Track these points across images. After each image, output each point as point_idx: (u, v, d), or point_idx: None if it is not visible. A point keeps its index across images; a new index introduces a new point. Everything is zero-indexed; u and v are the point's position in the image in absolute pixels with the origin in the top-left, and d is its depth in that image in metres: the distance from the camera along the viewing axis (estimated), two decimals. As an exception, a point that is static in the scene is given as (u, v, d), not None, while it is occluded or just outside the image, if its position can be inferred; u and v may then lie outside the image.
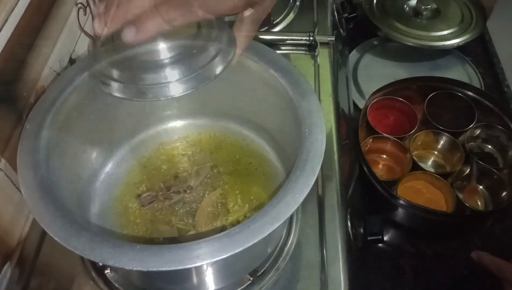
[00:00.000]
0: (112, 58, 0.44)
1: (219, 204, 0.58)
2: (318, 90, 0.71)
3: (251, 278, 0.52)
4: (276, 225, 0.39)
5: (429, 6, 1.04)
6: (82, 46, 0.68)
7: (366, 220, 0.65)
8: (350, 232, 0.59)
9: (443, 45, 0.98)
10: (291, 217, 0.57)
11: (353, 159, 0.76)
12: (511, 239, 0.79)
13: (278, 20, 0.82)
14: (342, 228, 0.57)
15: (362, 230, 0.64)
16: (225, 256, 0.37)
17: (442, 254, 0.77)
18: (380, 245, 0.78)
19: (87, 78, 0.52)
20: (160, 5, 0.37)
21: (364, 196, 0.77)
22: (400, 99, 0.87)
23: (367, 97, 0.86)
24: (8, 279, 0.50)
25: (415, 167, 0.79)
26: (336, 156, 0.64)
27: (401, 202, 0.74)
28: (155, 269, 0.37)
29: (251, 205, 0.57)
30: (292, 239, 0.56)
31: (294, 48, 0.78)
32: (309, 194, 0.41)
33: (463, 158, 0.80)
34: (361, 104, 0.93)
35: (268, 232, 0.38)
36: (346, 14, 0.98)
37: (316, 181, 0.50)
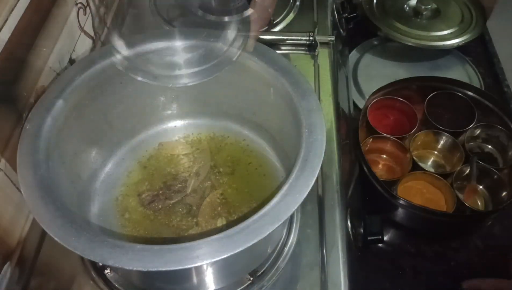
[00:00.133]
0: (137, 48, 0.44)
1: (219, 204, 0.58)
2: (318, 90, 0.71)
3: (251, 278, 0.52)
4: (276, 225, 0.39)
5: (429, 6, 1.04)
6: (82, 46, 0.68)
7: (366, 220, 0.65)
8: (350, 232, 0.59)
9: (443, 45, 0.98)
10: (291, 217, 0.57)
11: (353, 159, 0.76)
12: (511, 239, 0.79)
13: (278, 20, 0.82)
14: (342, 228, 0.57)
15: (362, 230, 0.64)
16: (225, 256, 0.37)
17: (442, 254, 0.77)
18: (380, 245, 0.78)
19: (87, 78, 0.52)
20: None
21: (364, 196, 0.77)
22: (400, 99, 0.87)
23: (367, 97, 0.86)
24: (8, 279, 0.50)
25: (415, 167, 0.79)
26: (336, 156, 0.64)
27: (401, 202, 0.74)
28: (155, 269, 0.37)
29: (251, 205, 0.57)
30: (292, 239, 0.56)
31: (294, 48, 0.78)
32: (309, 194, 0.41)
33: (463, 158, 0.80)
34: (361, 104, 0.93)
35: (268, 232, 0.38)
36: (346, 14, 0.98)
37: (316, 181, 0.50)
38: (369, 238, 0.64)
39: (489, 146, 0.86)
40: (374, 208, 0.79)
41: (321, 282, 0.53)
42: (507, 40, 1.09)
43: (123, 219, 0.56)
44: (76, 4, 0.65)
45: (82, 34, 0.67)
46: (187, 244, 0.38)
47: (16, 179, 0.49)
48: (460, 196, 0.76)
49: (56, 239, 0.38)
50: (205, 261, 0.37)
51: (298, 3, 0.86)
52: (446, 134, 0.83)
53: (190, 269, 0.41)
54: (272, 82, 0.53)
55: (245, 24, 0.47)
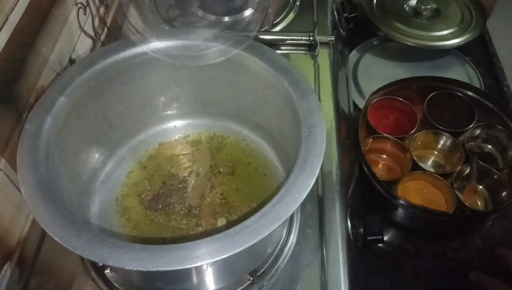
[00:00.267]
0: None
1: (219, 204, 0.58)
2: (318, 90, 0.71)
3: (251, 278, 0.52)
4: (276, 225, 0.39)
5: (429, 6, 1.04)
6: (82, 46, 0.68)
7: (366, 220, 0.65)
8: (350, 232, 0.59)
9: (443, 45, 0.98)
10: (291, 217, 0.57)
11: (353, 159, 0.76)
12: (511, 239, 0.79)
13: (278, 20, 0.82)
14: (342, 228, 0.57)
15: (362, 230, 0.64)
16: (225, 256, 0.37)
17: (442, 254, 0.77)
18: (380, 245, 0.77)
19: (87, 78, 0.52)
20: None
21: (364, 196, 0.77)
22: (400, 99, 0.87)
23: (367, 97, 0.86)
24: (8, 279, 0.50)
25: (415, 167, 0.79)
26: (336, 156, 0.64)
27: (401, 202, 0.74)
28: (155, 269, 0.37)
29: (251, 205, 0.57)
30: (292, 239, 0.56)
31: (294, 48, 0.78)
32: (309, 194, 0.41)
33: (463, 158, 0.80)
34: (361, 104, 0.93)
35: (268, 232, 0.38)
36: (346, 14, 0.98)
37: (316, 181, 0.50)
38: (369, 238, 0.64)
39: (489, 146, 0.86)
40: (374, 208, 0.79)
41: (321, 282, 0.53)
42: (507, 40, 1.09)
43: (123, 219, 0.57)
44: (76, 4, 0.65)
45: (82, 34, 0.67)
46: (187, 244, 0.38)
47: (16, 179, 0.49)
48: (460, 196, 0.76)
49: (56, 239, 0.39)
50: (205, 261, 0.37)
51: (298, 3, 0.86)
52: (446, 134, 0.83)
53: (190, 269, 0.41)
54: (272, 82, 0.53)
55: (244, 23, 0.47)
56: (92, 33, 0.70)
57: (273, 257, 0.54)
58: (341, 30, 0.92)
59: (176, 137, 0.65)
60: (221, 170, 0.61)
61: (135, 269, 0.37)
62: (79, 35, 0.67)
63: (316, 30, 0.77)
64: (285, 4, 0.85)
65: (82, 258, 0.54)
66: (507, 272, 0.66)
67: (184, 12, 0.82)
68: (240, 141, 0.64)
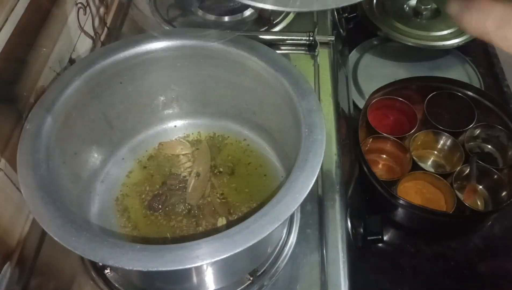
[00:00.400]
0: None
1: (219, 204, 0.58)
2: (318, 90, 0.71)
3: (251, 278, 0.52)
4: (276, 225, 0.39)
5: (429, 6, 1.04)
6: (82, 46, 0.68)
7: (366, 220, 0.65)
8: (350, 232, 0.59)
9: (443, 45, 0.98)
10: (291, 217, 0.57)
11: (353, 159, 0.76)
12: (511, 239, 0.79)
13: (278, 20, 0.82)
14: (342, 228, 0.57)
15: (362, 230, 0.64)
16: (225, 256, 0.37)
17: (442, 254, 0.77)
18: (380, 245, 0.77)
19: (87, 78, 0.52)
20: None
21: (364, 196, 0.77)
22: (400, 99, 0.87)
23: (367, 97, 0.86)
24: (8, 279, 0.50)
25: (415, 167, 0.79)
26: (336, 156, 0.64)
27: (401, 202, 0.74)
28: (155, 269, 0.37)
29: (251, 205, 0.57)
30: (292, 239, 0.56)
31: (294, 48, 0.78)
32: (309, 194, 0.41)
33: (463, 158, 0.80)
34: (361, 104, 0.93)
35: (268, 232, 0.38)
36: (346, 14, 0.98)
37: (316, 181, 0.50)
38: (369, 238, 0.64)
39: (489, 146, 0.86)
40: (374, 208, 0.79)
41: (321, 282, 0.53)
42: (507, 40, 1.09)
43: (123, 219, 0.56)
44: (76, 4, 0.65)
45: (82, 34, 0.67)
46: (187, 244, 0.38)
47: (16, 179, 0.49)
48: (460, 196, 0.76)
49: (56, 239, 0.39)
50: (205, 261, 0.37)
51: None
52: (446, 134, 0.83)
53: (190, 269, 0.41)
54: (272, 82, 0.53)
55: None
56: (92, 33, 0.70)
57: (273, 257, 0.54)
58: (341, 30, 0.92)
59: (176, 137, 0.65)
60: (221, 170, 0.61)
61: (135, 269, 0.37)
62: (79, 35, 0.67)
63: (316, 30, 0.77)
64: (285, 4, 0.85)
65: (82, 258, 0.54)
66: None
67: (184, 12, 0.82)
68: (240, 141, 0.64)
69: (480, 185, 0.80)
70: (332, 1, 0.43)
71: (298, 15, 0.84)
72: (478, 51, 1.08)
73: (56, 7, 0.60)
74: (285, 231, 0.56)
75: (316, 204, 0.59)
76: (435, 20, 1.03)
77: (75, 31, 0.66)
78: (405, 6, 1.07)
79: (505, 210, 0.78)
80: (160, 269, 0.37)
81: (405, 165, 0.80)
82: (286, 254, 0.55)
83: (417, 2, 1.05)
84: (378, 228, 0.65)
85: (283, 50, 0.78)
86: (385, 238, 0.78)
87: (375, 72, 1.01)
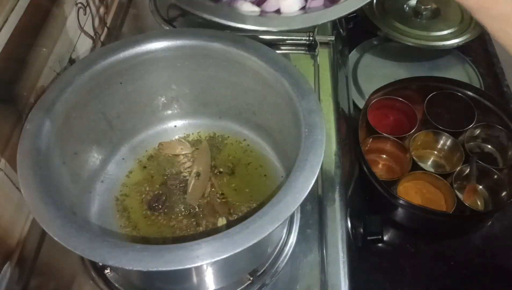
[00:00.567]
0: None
1: (219, 204, 0.58)
2: (318, 90, 0.71)
3: (251, 278, 0.52)
4: (276, 225, 0.39)
5: (429, 6, 1.04)
6: (82, 46, 0.68)
7: (366, 220, 0.65)
8: (350, 232, 0.59)
9: (443, 45, 0.98)
10: (291, 217, 0.57)
11: (353, 159, 0.76)
12: (511, 239, 0.79)
13: (278, 20, 0.82)
14: (342, 228, 0.57)
15: (362, 230, 0.64)
16: (225, 256, 0.37)
17: (442, 254, 0.77)
18: (380, 245, 0.77)
19: (87, 78, 0.52)
20: None
21: (364, 196, 0.77)
22: (400, 99, 0.87)
23: (367, 97, 0.86)
24: (8, 279, 0.50)
25: (415, 167, 0.79)
26: (336, 156, 0.64)
27: (401, 202, 0.74)
28: (155, 269, 0.37)
29: (251, 205, 0.57)
30: (292, 239, 0.56)
31: (294, 48, 0.78)
32: (309, 194, 0.41)
33: (463, 158, 0.80)
34: (361, 104, 0.93)
35: (268, 232, 0.38)
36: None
37: (316, 181, 0.50)
38: (369, 238, 0.64)
39: (489, 146, 0.86)
40: (374, 208, 0.79)
41: (321, 282, 0.53)
42: (507, 40, 1.09)
43: (123, 219, 0.57)
44: (76, 4, 0.65)
45: (82, 34, 0.67)
46: (187, 244, 0.38)
47: (16, 179, 0.49)
48: (460, 196, 0.76)
49: (56, 239, 0.39)
50: (205, 261, 0.37)
51: (298, 3, 0.86)
52: (446, 134, 0.83)
53: (190, 269, 0.41)
54: (272, 82, 0.53)
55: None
56: (92, 33, 0.70)
57: (273, 257, 0.54)
58: (341, 30, 0.92)
59: (176, 137, 0.65)
60: (221, 170, 0.61)
61: (135, 269, 0.37)
62: (79, 35, 0.67)
63: (316, 30, 0.77)
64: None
65: (82, 258, 0.54)
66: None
67: (184, 12, 0.82)
68: (240, 141, 0.64)
69: (480, 185, 0.80)
70: (311, 19, 0.44)
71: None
72: (478, 51, 1.08)
73: (56, 7, 0.60)
74: (285, 231, 0.56)
75: (316, 204, 0.59)
76: (435, 20, 1.03)
77: (75, 31, 0.66)
78: (405, 6, 1.07)
79: (505, 210, 0.78)
80: (160, 269, 0.37)
81: (405, 165, 0.80)
82: (286, 254, 0.55)
83: (417, 2, 1.05)
84: (378, 228, 0.65)
85: (283, 50, 0.78)
86: (385, 238, 0.78)
87: (375, 72, 1.01)
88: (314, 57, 0.76)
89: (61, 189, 0.47)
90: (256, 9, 0.44)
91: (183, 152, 0.63)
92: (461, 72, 1.02)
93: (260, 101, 0.59)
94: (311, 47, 0.77)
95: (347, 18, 0.98)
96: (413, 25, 1.02)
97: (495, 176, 0.78)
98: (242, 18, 0.42)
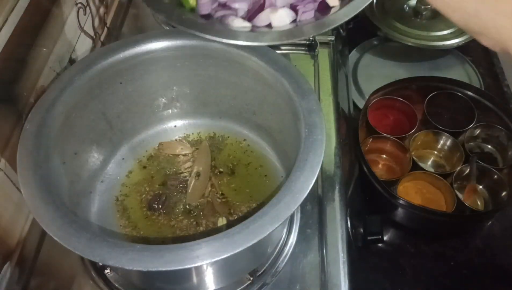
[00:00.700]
0: None
1: (219, 204, 0.58)
2: (318, 90, 0.71)
3: (251, 278, 0.52)
4: (276, 225, 0.39)
5: (429, 6, 1.04)
6: (82, 46, 0.68)
7: (366, 220, 0.65)
8: (350, 232, 0.59)
9: (443, 45, 0.98)
10: (291, 217, 0.57)
11: (353, 159, 0.76)
12: (511, 239, 0.79)
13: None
14: (342, 228, 0.57)
15: (362, 230, 0.64)
16: (225, 256, 0.37)
17: (442, 254, 0.77)
18: (380, 245, 0.78)
19: (87, 78, 0.52)
20: None
21: (364, 196, 0.77)
22: (400, 99, 0.87)
23: (367, 97, 0.86)
24: (8, 279, 0.50)
25: (415, 167, 0.79)
26: (336, 156, 0.64)
27: (401, 202, 0.74)
28: (155, 269, 0.37)
29: (251, 205, 0.57)
30: (292, 239, 0.56)
31: (294, 48, 0.78)
32: (309, 194, 0.41)
33: (463, 158, 0.80)
34: (361, 104, 0.93)
35: (268, 232, 0.38)
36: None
37: (316, 181, 0.51)
38: (369, 238, 0.64)
39: (489, 146, 0.86)
40: (374, 208, 0.79)
41: (321, 282, 0.53)
42: (507, 40, 1.09)
43: (123, 219, 0.57)
44: (76, 4, 0.65)
45: (82, 34, 0.67)
46: (187, 244, 0.38)
47: (16, 179, 0.49)
48: (460, 196, 0.76)
49: (56, 239, 0.39)
50: (205, 261, 0.37)
51: (298, 3, 0.86)
52: (446, 134, 0.83)
53: (190, 269, 0.41)
54: (272, 82, 0.53)
55: None
56: (92, 33, 0.70)
57: (273, 257, 0.54)
58: (341, 30, 0.92)
59: (176, 137, 0.65)
60: (221, 170, 0.61)
61: (135, 269, 0.37)
62: (79, 35, 0.67)
63: (316, 30, 0.77)
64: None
65: (82, 258, 0.54)
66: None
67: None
68: (241, 141, 0.64)
69: (480, 185, 0.81)
70: (302, 32, 0.44)
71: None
72: (478, 51, 1.08)
73: (56, 7, 0.60)
74: (285, 231, 0.56)
75: (316, 204, 0.59)
76: (435, 20, 1.03)
77: (75, 31, 0.66)
78: (405, 6, 1.07)
79: (505, 210, 0.78)
80: (160, 269, 0.37)
81: (405, 165, 0.80)
82: (286, 254, 0.55)
83: (417, 2, 1.05)
84: (378, 228, 0.65)
85: (283, 50, 0.78)
86: (385, 238, 0.78)
87: (375, 72, 1.01)
88: (314, 57, 0.76)
89: (61, 189, 0.47)
90: (247, 24, 0.44)
91: (183, 152, 0.63)
92: (461, 72, 1.02)
93: (260, 101, 0.59)
94: (311, 47, 0.77)
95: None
96: (413, 25, 1.02)
97: (495, 176, 0.78)
98: (234, 34, 0.42)
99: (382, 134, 0.82)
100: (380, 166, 0.86)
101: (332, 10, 0.46)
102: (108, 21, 0.77)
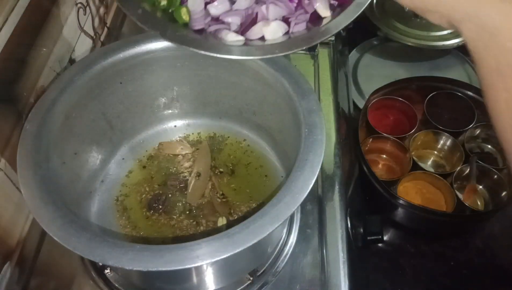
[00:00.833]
0: None
1: (219, 204, 0.58)
2: (318, 90, 0.71)
3: (251, 278, 0.52)
4: (276, 225, 0.39)
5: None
6: (82, 46, 0.68)
7: (366, 220, 0.65)
8: (350, 232, 0.59)
9: (443, 45, 0.98)
10: (291, 217, 0.57)
11: (353, 159, 0.76)
12: (511, 239, 0.79)
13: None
14: (342, 228, 0.57)
15: (362, 230, 0.64)
16: (225, 256, 0.37)
17: (442, 254, 0.77)
18: (380, 245, 0.78)
19: (87, 78, 0.52)
20: None
21: (364, 196, 0.77)
22: (400, 99, 0.87)
23: (367, 97, 0.86)
24: (8, 279, 0.50)
25: (415, 167, 0.79)
26: (336, 156, 0.64)
27: (401, 202, 0.74)
28: (155, 269, 0.37)
29: (251, 205, 0.57)
30: (292, 239, 0.56)
31: (294, 48, 0.78)
32: (309, 194, 0.41)
33: (463, 158, 0.80)
34: (361, 104, 0.93)
35: (268, 232, 0.38)
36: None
37: (316, 181, 0.51)
38: (369, 238, 0.64)
39: (489, 146, 0.86)
40: (374, 208, 0.79)
41: (321, 282, 0.53)
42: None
43: (123, 219, 0.57)
44: (76, 4, 0.65)
45: (82, 34, 0.67)
46: (187, 244, 0.38)
47: (16, 179, 0.49)
48: (460, 196, 0.76)
49: (56, 239, 0.39)
50: (205, 261, 0.37)
51: (298, 3, 0.86)
52: (446, 134, 0.83)
53: (190, 269, 0.41)
54: (272, 82, 0.53)
55: None
56: (92, 33, 0.70)
57: (273, 257, 0.54)
58: (341, 31, 0.92)
59: (176, 137, 0.65)
60: (221, 170, 0.61)
61: (135, 269, 0.37)
62: (79, 35, 0.67)
63: (316, 30, 0.77)
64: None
65: (82, 258, 0.54)
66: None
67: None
68: (241, 141, 0.64)
69: (480, 185, 0.81)
70: (293, 44, 0.44)
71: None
72: (478, 51, 1.08)
73: (56, 7, 0.60)
74: (285, 231, 0.56)
75: (316, 204, 0.59)
76: (435, 20, 1.03)
77: (75, 31, 0.66)
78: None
79: (505, 210, 0.78)
80: (160, 269, 0.37)
81: (405, 165, 0.80)
82: (286, 254, 0.55)
83: (417, 2, 1.05)
84: (378, 228, 0.65)
85: (283, 50, 0.78)
86: (385, 238, 0.78)
87: (375, 72, 1.01)
88: (314, 57, 0.76)
89: (61, 189, 0.47)
90: (240, 38, 0.45)
91: (183, 152, 0.63)
92: (461, 72, 1.02)
93: (260, 101, 0.59)
94: (311, 47, 0.77)
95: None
96: (413, 25, 1.02)
97: (495, 176, 0.78)
98: (228, 49, 0.43)
99: (382, 134, 0.82)
100: (380, 166, 0.86)
101: (324, 21, 0.46)
102: (108, 21, 0.77)
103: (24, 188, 0.42)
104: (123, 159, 0.62)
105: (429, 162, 0.86)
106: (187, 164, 0.62)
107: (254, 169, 0.61)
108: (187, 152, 0.63)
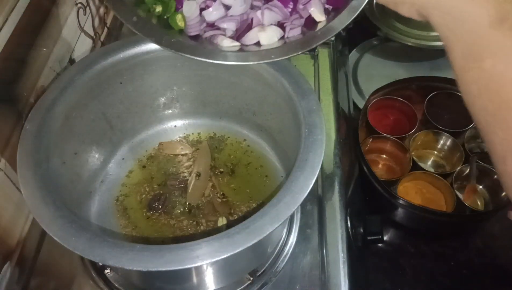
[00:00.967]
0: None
1: (219, 204, 0.58)
2: (318, 90, 0.71)
3: (251, 278, 0.52)
4: (276, 225, 0.39)
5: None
6: (82, 46, 0.68)
7: (366, 220, 0.65)
8: (350, 232, 0.59)
9: (443, 45, 0.97)
10: (291, 217, 0.57)
11: (353, 159, 0.76)
12: (511, 239, 0.79)
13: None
14: (342, 228, 0.57)
15: (362, 230, 0.64)
16: (225, 256, 0.37)
17: (442, 254, 0.77)
18: (380, 245, 0.78)
19: (87, 78, 0.52)
20: None
21: (364, 196, 0.77)
22: (400, 99, 0.87)
23: (367, 97, 0.86)
24: (8, 279, 0.50)
25: (415, 167, 0.79)
26: (336, 156, 0.64)
27: (401, 202, 0.74)
28: (155, 269, 0.37)
29: (251, 205, 0.57)
30: (292, 239, 0.56)
31: (294, 48, 0.78)
32: (309, 194, 0.41)
33: (463, 158, 0.80)
34: (361, 104, 0.93)
35: (268, 232, 0.38)
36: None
37: (316, 181, 0.50)
38: (369, 238, 0.64)
39: (489, 146, 0.86)
40: (374, 208, 0.79)
41: (321, 282, 0.53)
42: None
43: (123, 219, 0.57)
44: (76, 4, 0.65)
45: (82, 34, 0.67)
46: (187, 244, 0.38)
47: (16, 179, 0.49)
48: (460, 196, 0.76)
49: (56, 239, 0.39)
50: (205, 261, 0.37)
51: (298, 3, 0.86)
52: (446, 134, 0.83)
53: (190, 269, 0.41)
54: (272, 82, 0.53)
55: None
56: (92, 33, 0.70)
57: (273, 257, 0.54)
58: (341, 31, 0.92)
59: (176, 137, 0.65)
60: (221, 170, 0.61)
61: (135, 269, 0.37)
62: (79, 35, 0.67)
63: (316, 30, 0.77)
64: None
65: (82, 258, 0.54)
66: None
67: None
68: (241, 141, 0.64)
69: (480, 185, 0.80)
70: (289, 49, 0.45)
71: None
72: (478, 51, 1.08)
73: (56, 7, 0.60)
74: (285, 231, 0.56)
75: (316, 204, 0.59)
76: (435, 20, 1.03)
77: (75, 31, 0.66)
78: (405, 6, 1.07)
79: (505, 210, 0.78)
80: (160, 269, 0.37)
81: (405, 165, 0.80)
82: (286, 254, 0.55)
83: (417, 2, 1.05)
84: (378, 228, 0.65)
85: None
86: (385, 238, 0.78)
87: (375, 72, 1.01)
88: (314, 57, 0.76)
89: (61, 189, 0.47)
90: (236, 44, 0.45)
91: (183, 152, 0.63)
92: (461, 72, 1.02)
93: (260, 101, 0.59)
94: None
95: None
96: (413, 25, 1.02)
97: (495, 176, 0.78)
98: (224, 55, 0.43)
99: (382, 134, 0.82)
100: (380, 166, 0.86)
101: (319, 26, 0.46)
102: (108, 21, 0.77)
103: (24, 188, 0.42)
104: (123, 159, 0.62)
105: (429, 162, 0.86)
106: (187, 164, 0.62)
107: (254, 169, 0.61)
108: (187, 152, 0.63)
